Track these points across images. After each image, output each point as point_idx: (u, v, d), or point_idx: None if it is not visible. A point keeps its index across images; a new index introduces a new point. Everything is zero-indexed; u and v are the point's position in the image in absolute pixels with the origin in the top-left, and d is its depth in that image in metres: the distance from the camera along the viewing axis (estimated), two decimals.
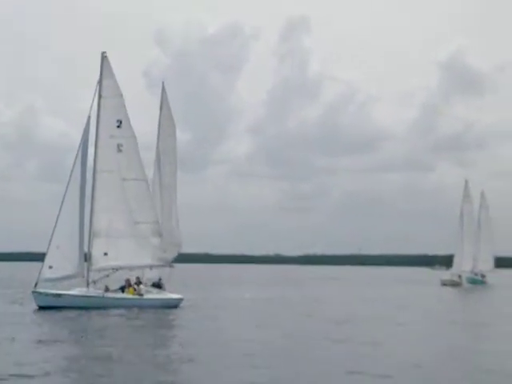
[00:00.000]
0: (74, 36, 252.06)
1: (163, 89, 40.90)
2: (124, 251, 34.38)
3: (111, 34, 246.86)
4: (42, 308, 32.32)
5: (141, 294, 34.65)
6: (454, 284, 72.11)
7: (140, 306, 33.61)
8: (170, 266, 37.95)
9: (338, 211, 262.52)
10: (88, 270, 34.20)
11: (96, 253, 34.35)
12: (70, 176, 33.82)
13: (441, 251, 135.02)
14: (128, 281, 35.12)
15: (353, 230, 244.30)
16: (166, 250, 35.72)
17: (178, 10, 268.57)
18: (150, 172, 39.05)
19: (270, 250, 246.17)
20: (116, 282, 35.43)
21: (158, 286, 37.34)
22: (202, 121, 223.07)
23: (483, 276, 78.11)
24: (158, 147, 40.32)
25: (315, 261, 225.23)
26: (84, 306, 32.52)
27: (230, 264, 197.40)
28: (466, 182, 79.56)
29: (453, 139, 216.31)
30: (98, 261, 34.32)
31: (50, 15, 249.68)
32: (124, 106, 34.90)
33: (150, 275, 37.36)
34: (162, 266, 35.84)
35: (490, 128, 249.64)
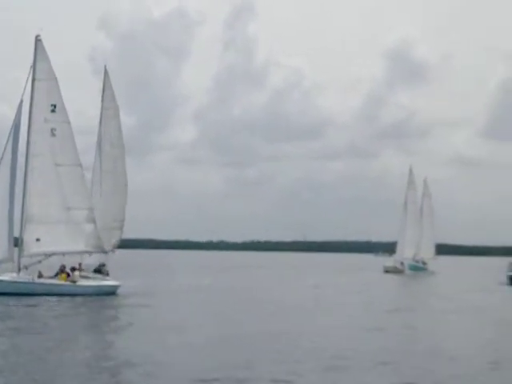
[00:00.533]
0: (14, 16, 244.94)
1: (105, 71, 40.34)
2: (57, 237, 33.76)
3: (56, 17, 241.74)
4: None
5: (74, 281, 33.85)
6: (397, 271, 72.52)
7: (73, 294, 33.02)
8: (111, 252, 37.73)
9: (282, 198, 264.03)
10: (19, 256, 33.51)
11: (28, 238, 33.66)
12: (0, 160, 32.94)
13: (384, 238, 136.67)
14: (62, 267, 34.36)
15: (297, 217, 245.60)
16: (100, 236, 34.98)
17: None
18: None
19: (215, 237, 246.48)
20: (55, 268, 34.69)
21: (99, 271, 36.88)
22: (147, 106, 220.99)
23: (424, 263, 78.83)
24: (99, 130, 39.57)
25: (259, 247, 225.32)
26: (13, 292, 31.79)
27: (174, 250, 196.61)
28: (411, 169, 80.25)
29: (397, 127, 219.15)
30: (30, 246, 33.64)
31: None
32: (58, 89, 34.14)
33: (91, 261, 36.81)
34: (96, 252, 35.23)
35: (434, 116, 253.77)
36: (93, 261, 36.67)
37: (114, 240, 39.80)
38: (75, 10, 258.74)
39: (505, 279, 52.09)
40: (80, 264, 35.13)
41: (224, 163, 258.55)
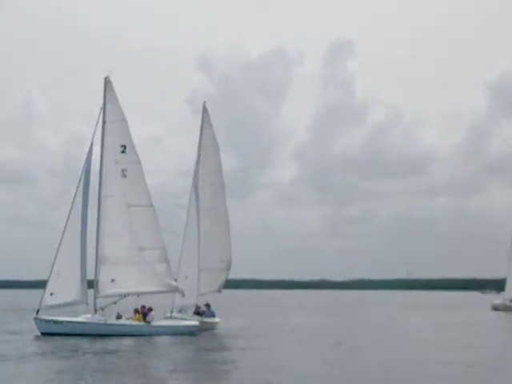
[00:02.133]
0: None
1: (204, 109, 40.30)
2: (131, 277, 33.82)
3: (156, 61, 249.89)
4: (44, 334, 31.93)
5: (148, 322, 33.55)
6: (506, 308, 69.21)
7: (147, 334, 32.84)
8: (217, 292, 38.38)
9: (384, 235, 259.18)
10: (95, 297, 33.67)
11: (103, 279, 33.82)
12: (73, 202, 33.47)
13: (491, 275, 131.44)
14: (141, 308, 34.23)
15: (400, 254, 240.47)
16: (172, 275, 35.02)
17: (222, 34, 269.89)
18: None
19: (316, 275, 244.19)
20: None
21: (198, 313, 37.20)
22: (247, 146, 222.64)
23: None
24: (196, 169, 39.45)
25: (361, 285, 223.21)
26: (86, 332, 31.97)
27: (276, 290, 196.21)
28: None
29: (502, 161, 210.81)
30: (105, 287, 33.78)
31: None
32: (128, 130, 34.47)
33: (187, 302, 36.91)
34: (169, 292, 35.04)
35: None
36: (189, 302, 36.96)
37: (221, 281, 39.99)
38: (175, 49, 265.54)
39: None
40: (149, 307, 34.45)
41: (324, 201, 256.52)
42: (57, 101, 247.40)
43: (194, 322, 35.25)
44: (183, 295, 36.01)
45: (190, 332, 33.91)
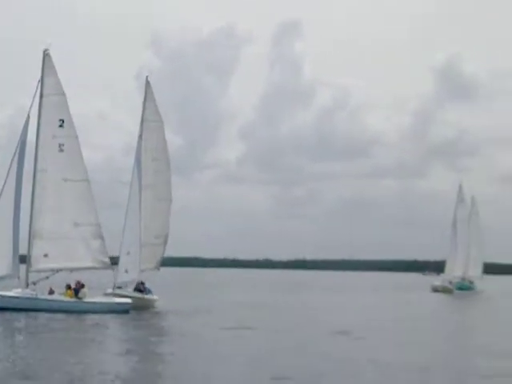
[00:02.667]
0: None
1: (147, 83, 39.79)
2: (64, 253, 33.33)
3: (106, 35, 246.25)
4: None
5: (80, 298, 33.14)
6: (445, 290, 70.78)
7: (78, 311, 32.42)
8: (155, 269, 38.09)
9: (329, 216, 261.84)
10: (27, 271, 33.20)
11: (35, 254, 33.34)
12: (7, 176, 32.85)
13: (432, 257, 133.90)
14: (76, 284, 33.80)
15: (344, 236, 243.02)
16: (107, 252, 34.65)
17: (173, 12, 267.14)
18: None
19: (260, 255, 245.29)
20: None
21: (139, 290, 36.84)
22: (193, 124, 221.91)
23: (471, 282, 76.61)
24: (138, 144, 38.85)
25: (305, 266, 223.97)
26: (16, 307, 31.46)
27: (220, 268, 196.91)
28: (460, 186, 78.47)
29: (446, 145, 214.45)
30: (38, 262, 33.30)
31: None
32: (66, 105, 33.93)
33: (129, 279, 36.64)
34: (102, 268, 34.65)
35: (484, 134, 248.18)
36: (128, 278, 36.61)
37: (158, 256, 39.55)
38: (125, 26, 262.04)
39: None
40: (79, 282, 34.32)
41: (270, 181, 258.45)
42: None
43: (127, 299, 34.79)
44: (115, 271, 35.92)
45: (123, 309, 33.58)
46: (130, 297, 35.44)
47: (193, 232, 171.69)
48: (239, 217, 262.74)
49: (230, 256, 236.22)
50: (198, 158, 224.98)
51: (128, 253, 37.02)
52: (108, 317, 31.39)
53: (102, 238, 34.14)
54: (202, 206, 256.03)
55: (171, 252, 40.15)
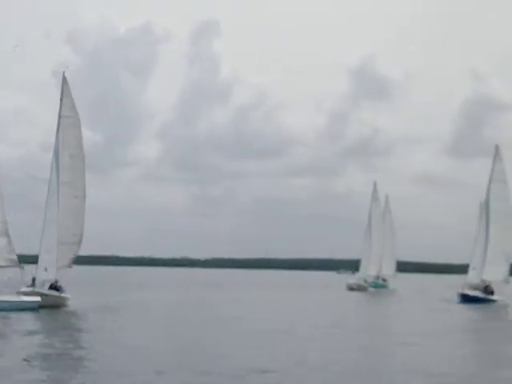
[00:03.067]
0: None
1: (64, 79, 39.26)
2: None
3: (25, 31, 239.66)
4: None
5: None
6: (360, 288, 71.93)
7: None
8: (68, 267, 37.30)
9: (246, 215, 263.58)
10: None
11: None
12: None
13: (347, 255, 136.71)
14: None
15: (261, 234, 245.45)
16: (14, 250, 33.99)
17: (91, 9, 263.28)
18: None
19: (178, 253, 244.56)
20: None
21: (55, 288, 36.41)
22: (111, 122, 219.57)
23: (384, 280, 78.67)
24: (56, 141, 38.44)
25: (222, 264, 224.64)
26: None
27: (138, 267, 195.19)
28: (375, 185, 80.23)
29: (361, 144, 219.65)
30: None
31: None
32: None
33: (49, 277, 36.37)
34: (9, 266, 34.11)
35: (398, 134, 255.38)
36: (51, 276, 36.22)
37: (71, 255, 39.08)
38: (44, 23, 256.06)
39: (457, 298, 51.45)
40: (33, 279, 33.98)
41: (188, 180, 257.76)
42: None
43: (36, 297, 34.11)
44: (23, 269, 35.50)
45: (32, 308, 32.91)
46: (46, 295, 35.10)
47: (110, 230, 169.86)
48: (158, 215, 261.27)
49: (148, 255, 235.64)
50: (116, 155, 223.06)
51: (47, 251, 36.70)
52: (14, 315, 30.76)
53: (8, 235, 33.51)
54: (121, 204, 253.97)
55: (88, 250, 39.54)
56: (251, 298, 55.64)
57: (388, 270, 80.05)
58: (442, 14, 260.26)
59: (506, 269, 52.60)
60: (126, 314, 35.76)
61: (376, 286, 75.66)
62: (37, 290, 35.46)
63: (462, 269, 54.74)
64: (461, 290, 51.74)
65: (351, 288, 72.57)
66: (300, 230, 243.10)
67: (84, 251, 40.62)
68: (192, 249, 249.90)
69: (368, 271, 76.67)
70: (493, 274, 51.70)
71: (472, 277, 52.74)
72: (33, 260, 37.10)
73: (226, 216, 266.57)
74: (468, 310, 45.32)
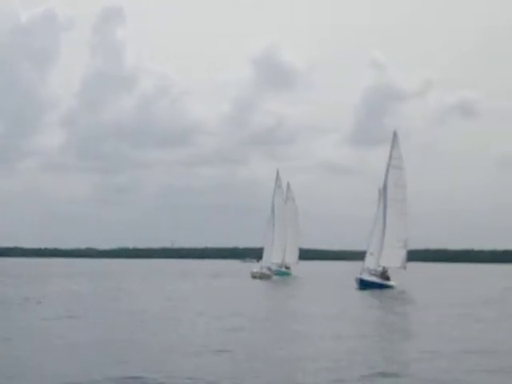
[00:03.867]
0: None
1: None
2: None
3: None
4: None
5: None
6: (264, 276, 71.65)
7: None
8: None
9: (151, 204, 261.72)
10: None
11: None
12: None
13: (252, 244, 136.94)
14: None
15: (166, 223, 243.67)
16: None
17: None
18: None
19: (83, 243, 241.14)
20: None
21: None
22: (12, 112, 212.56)
23: (288, 268, 78.80)
24: None
25: (128, 254, 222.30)
26: None
27: (41, 258, 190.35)
28: (278, 174, 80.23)
29: (265, 133, 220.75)
30: None
31: None
32: None
33: None
34: None
35: (302, 122, 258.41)
36: None
37: None
38: None
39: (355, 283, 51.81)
40: None
41: (92, 169, 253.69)
42: None
43: None
44: None
45: None
46: None
47: (12, 221, 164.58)
48: (61, 205, 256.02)
49: (52, 245, 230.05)
50: (18, 145, 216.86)
51: None
52: None
53: None
54: (23, 194, 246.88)
55: None
56: (147, 288, 54.27)
57: (291, 257, 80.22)
58: (345, 2, 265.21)
59: (403, 254, 52.77)
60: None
61: (279, 273, 75.68)
62: None
63: (363, 255, 54.81)
64: (359, 276, 52.07)
65: (255, 276, 72.31)
66: (205, 218, 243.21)
67: None
68: (96, 239, 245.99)
69: (271, 259, 76.65)
70: (390, 259, 52.08)
71: (369, 262, 52.98)
72: None
73: (132, 205, 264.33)
74: (363, 296, 45.68)
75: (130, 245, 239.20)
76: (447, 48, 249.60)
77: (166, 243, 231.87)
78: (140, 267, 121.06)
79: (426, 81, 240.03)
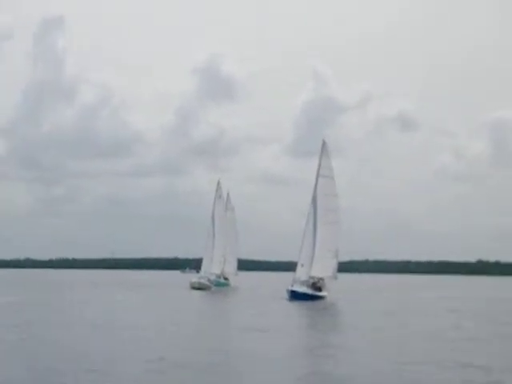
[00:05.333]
0: None
1: None
2: None
3: None
4: None
5: None
6: (202, 287, 71.76)
7: None
8: None
9: (91, 215, 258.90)
10: None
11: None
12: None
13: (192, 254, 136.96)
14: None
15: (106, 234, 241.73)
16: None
17: None
18: None
19: (21, 254, 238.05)
20: None
21: None
22: None
23: (226, 278, 79.17)
24: None
25: (67, 264, 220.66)
26: None
27: None
28: (218, 183, 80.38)
29: (207, 144, 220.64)
30: None
31: None
32: None
33: None
34: None
35: (243, 133, 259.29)
36: None
37: None
38: None
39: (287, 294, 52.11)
40: None
41: (32, 179, 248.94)
42: None
43: None
44: None
45: None
46: None
47: None
48: None
49: None
50: None
51: None
52: None
53: None
54: None
55: None
56: (86, 299, 54.14)
57: (230, 268, 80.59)
58: (287, 16, 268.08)
59: (333, 265, 52.84)
60: None
61: (218, 284, 75.78)
62: None
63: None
64: (290, 287, 52.10)
65: (194, 287, 72.29)
66: (146, 229, 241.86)
67: None
68: (35, 249, 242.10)
69: (211, 269, 76.85)
70: (321, 270, 52.15)
71: (301, 273, 53.08)
72: None
73: (71, 216, 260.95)
74: (292, 307, 46.16)
75: (70, 255, 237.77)
76: (387, 61, 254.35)
77: (105, 254, 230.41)
78: (78, 278, 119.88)
79: (365, 93, 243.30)
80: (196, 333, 29.15)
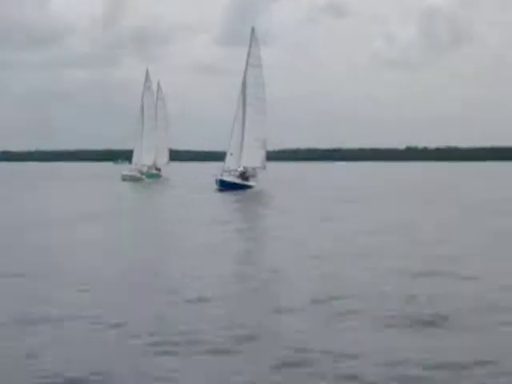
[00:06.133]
0: None
1: None
2: None
3: None
4: None
5: None
6: (134, 179, 71.02)
7: None
8: None
9: (18, 107, 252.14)
10: None
11: None
12: None
13: (125, 146, 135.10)
14: None
15: (35, 127, 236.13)
16: None
17: None
18: None
19: None
20: None
21: None
22: None
23: (158, 169, 78.34)
24: None
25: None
26: None
27: None
28: (147, 73, 78.34)
29: (138, 33, 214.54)
30: None
31: None
32: None
33: None
34: None
35: (175, 22, 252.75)
36: None
37: None
38: None
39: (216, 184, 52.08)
40: None
41: None
42: None
43: None
44: None
45: None
46: None
47: None
48: None
49: None
50: None
51: None
52: None
53: None
54: None
55: None
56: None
57: (161, 159, 79.63)
58: None
59: (262, 154, 52.90)
60: None
61: (149, 176, 75.10)
62: None
63: None
64: (218, 177, 52.06)
65: (125, 179, 71.59)
66: (77, 120, 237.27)
67: None
68: None
69: (142, 161, 76.05)
70: (249, 160, 52.15)
71: (230, 163, 52.96)
72: None
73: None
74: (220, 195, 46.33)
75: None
76: None
77: (31, 147, 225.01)
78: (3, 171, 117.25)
79: None
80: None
